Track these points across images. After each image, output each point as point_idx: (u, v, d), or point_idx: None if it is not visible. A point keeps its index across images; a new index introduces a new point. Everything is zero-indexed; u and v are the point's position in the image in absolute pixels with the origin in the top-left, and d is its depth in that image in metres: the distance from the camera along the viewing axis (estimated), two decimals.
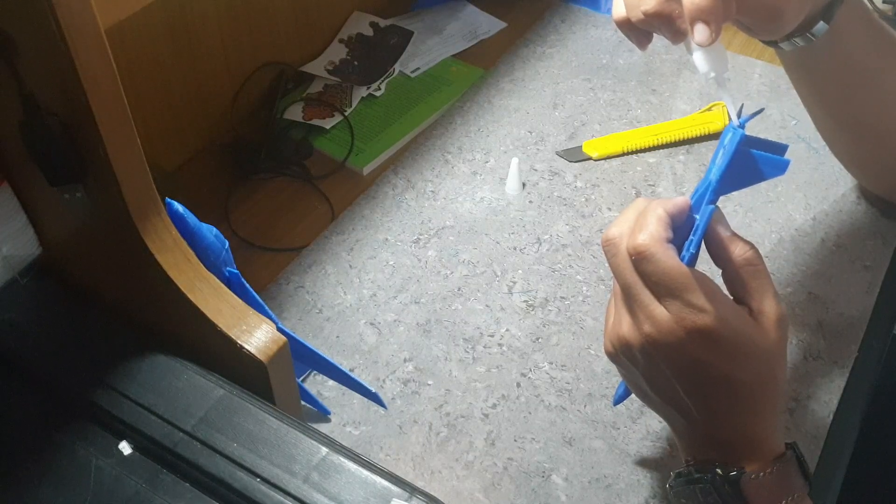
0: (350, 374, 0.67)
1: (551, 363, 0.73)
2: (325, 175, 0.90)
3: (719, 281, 0.53)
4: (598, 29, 1.09)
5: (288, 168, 0.91)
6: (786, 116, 0.95)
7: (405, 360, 0.73)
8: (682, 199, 0.54)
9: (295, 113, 0.96)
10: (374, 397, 0.68)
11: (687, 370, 0.52)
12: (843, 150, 0.82)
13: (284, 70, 0.98)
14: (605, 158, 0.91)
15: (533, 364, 0.73)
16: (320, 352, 0.65)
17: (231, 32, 0.90)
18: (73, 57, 0.46)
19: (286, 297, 0.78)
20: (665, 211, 0.52)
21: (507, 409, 0.70)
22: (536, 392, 0.71)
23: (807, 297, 0.77)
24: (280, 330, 0.56)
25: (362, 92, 0.99)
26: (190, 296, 0.55)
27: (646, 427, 0.68)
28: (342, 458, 0.51)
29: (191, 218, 0.57)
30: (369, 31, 1.06)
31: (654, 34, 0.62)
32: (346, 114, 0.96)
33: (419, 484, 0.59)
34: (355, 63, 1.02)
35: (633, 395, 0.61)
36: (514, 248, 0.82)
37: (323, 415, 0.69)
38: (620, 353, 0.55)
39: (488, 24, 1.10)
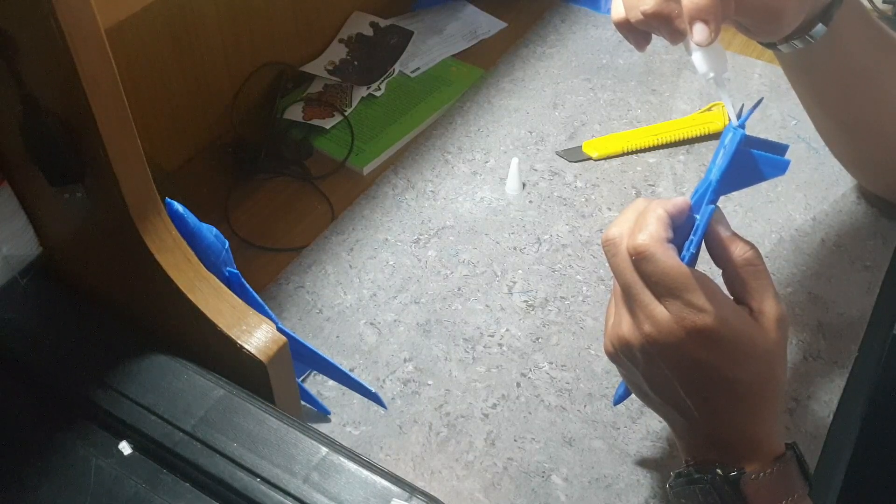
0: (350, 374, 0.67)
1: (551, 363, 0.73)
2: (325, 175, 0.90)
3: (719, 281, 0.53)
4: (598, 29, 1.09)
5: (288, 168, 0.91)
6: (786, 116, 0.95)
7: (405, 360, 0.73)
8: (682, 199, 0.54)
9: (295, 113, 0.96)
10: (374, 397, 0.68)
11: (687, 370, 0.52)
12: (843, 150, 0.82)
13: (284, 70, 0.98)
14: (605, 158, 0.91)
15: (533, 364, 0.73)
16: (320, 352, 0.65)
17: (231, 32, 0.90)
18: (73, 57, 0.46)
19: (286, 297, 0.78)
20: (665, 211, 0.52)
21: (507, 409, 0.70)
22: (536, 392, 0.71)
23: (807, 297, 0.77)
24: (280, 330, 0.56)
25: (362, 92, 0.99)
26: (190, 296, 0.55)
27: (646, 427, 0.68)
28: (342, 458, 0.51)
29: (191, 218, 0.57)
30: (369, 31, 1.06)
31: (653, 35, 0.62)
32: (346, 114, 0.96)
33: (419, 484, 0.60)
34: (355, 63, 1.02)
35: (633, 395, 0.61)
36: (514, 248, 0.82)
37: (323, 415, 0.69)
38: (620, 353, 0.55)
39: (488, 24, 1.10)
